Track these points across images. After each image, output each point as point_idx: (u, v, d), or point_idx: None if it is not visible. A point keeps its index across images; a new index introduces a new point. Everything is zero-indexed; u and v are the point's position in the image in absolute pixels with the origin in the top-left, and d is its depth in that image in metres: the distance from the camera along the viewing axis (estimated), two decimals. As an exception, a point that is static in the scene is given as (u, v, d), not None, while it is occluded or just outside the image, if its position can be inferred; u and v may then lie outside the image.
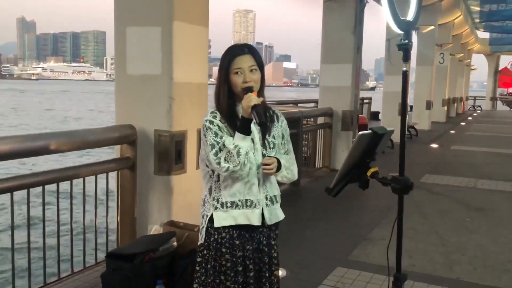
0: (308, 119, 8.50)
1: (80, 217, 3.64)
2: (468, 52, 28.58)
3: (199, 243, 2.21)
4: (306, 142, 8.04)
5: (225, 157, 2.02)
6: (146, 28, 3.77)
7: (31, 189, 3.07)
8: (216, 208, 2.14)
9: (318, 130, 8.16)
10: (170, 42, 3.68)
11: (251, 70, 2.10)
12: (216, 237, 2.14)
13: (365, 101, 17.83)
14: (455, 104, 24.68)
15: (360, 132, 2.01)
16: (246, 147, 2.04)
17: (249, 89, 2.07)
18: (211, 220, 2.14)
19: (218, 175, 2.14)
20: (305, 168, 7.56)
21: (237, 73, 2.09)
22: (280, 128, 2.25)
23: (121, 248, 3.29)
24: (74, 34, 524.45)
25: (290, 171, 2.25)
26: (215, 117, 2.11)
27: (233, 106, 2.14)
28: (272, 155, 2.15)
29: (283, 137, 2.25)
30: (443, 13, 16.73)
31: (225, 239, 2.13)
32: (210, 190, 2.18)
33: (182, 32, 3.72)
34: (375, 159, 2.08)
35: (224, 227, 2.13)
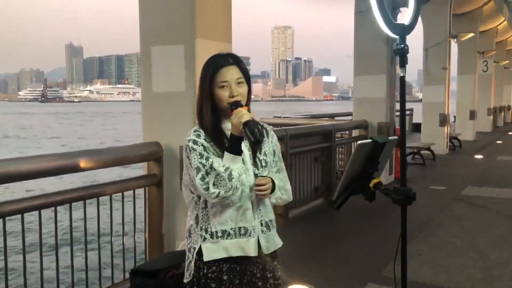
0: (343, 132, 8.38)
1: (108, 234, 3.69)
2: (515, 58, 27.47)
3: (186, 280, 1.95)
4: (341, 156, 7.92)
5: (213, 182, 1.78)
6: (170, 47, 3.84)
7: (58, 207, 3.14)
8: (204, 239, 1.89)
9: (353, 143, 8.02)
10: (193, 59, 3.73)
11: (238, 83, 1.90)
12: (205, 271, 1.90)
13: (407, 112, 17.45)
14: (503, 113, 23.70)
15: (359, 142, 1.93)
16: (238, 168, 1.81)
17: (238, 104, 1.85)
18: (199, 253, 1.90)
19: (205, 202, 1.90)
20: (339, 182, 7.42)
21: (222, 86, 1.88)
22: (271, 144, 2.03)
23: (144, 265, 3.31)
24: (119, 57, 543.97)
25: (285, 191, 2.00)
26: (199, 136, 1.87)
27: (218, 123, 1.93)
28: (264, 175, 1.92)
29: (274, 154, 2.03)
30: (485, 20, 16.23)
31: (214, 274, 1.90)
32: (196, 219, 1.93)
33: (205, 49, 3.76)
34: (378, 169, 1.98)
35: (215, 260, 1.89)
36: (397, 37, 2.21)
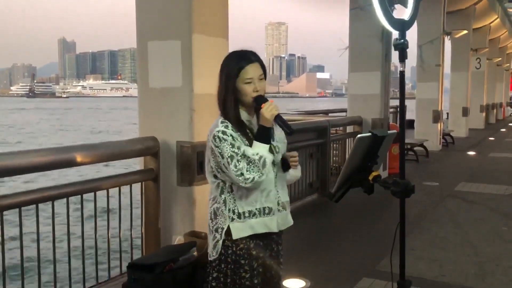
0: (337, 128, 8.41)
1: (104, 228, 3.70)
2: (508, 56, 27.66)
3: (212, 258, 2.14)
4: (335, 152, 7.95)
5: (247, 168, 1.97)
6: (167, 42, 3.84)
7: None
8: (232, 219, 2.08)
9: (347, 139, 8.06)
10: (189, 55, 3.73)
11: (260, 79, 2.09)
12: (234, 249, 2.08)
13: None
14: (495, 110, 23.87)
15: (359, 135, 1.96)
16: (269, 156, 2.02)
17: (262, 98, 2.06)
18: (227, 232, 2.08)
19: (231, 186, 2.08)
20: (334, 178, 7.46)
21: (247, 82, 2.06)
22: (280, 132, 2.21)
23: (142, 259, 3.33)
24: (112, 52, 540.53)
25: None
26: (227, 126, 2.04)
27: (239, 115, 2.10)
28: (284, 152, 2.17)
29: (282, 140, 2.24)
30: (478, 17, 16.31)
31: (243, 250, 2.09)
32: (224, 202, 2.10)
33: (202, 44, 3.77)
34: (377, 162, 2.02)
35: (242, 238, 2.08)
36: (395, 32, 2.23)
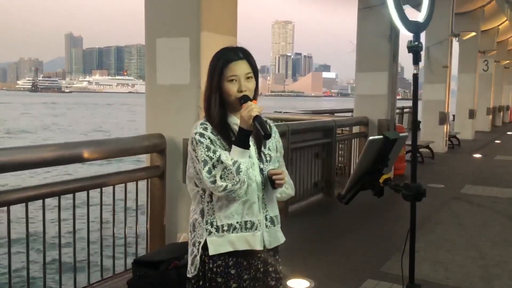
0: (343, 128, 8.39)
1: (110, 224, 3.71)
2: (516, 58, 27.47)
3: (190, 275, 1.93)
4: (341, 152, 7.93)
5: (221, 175, 1.78)
6: (175, 39, 3.84)
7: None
8: (210, 233, 1.87)
9: (353, 139, 8.04)
10: (198, 52, 3.73)
11: (247, 78, 1.90)
12: (210, 266, 1.88)
13: (406, 110, 17.48)
14: (501, 113, 23.75)
15: (370, 138, 1.94)
16: (245, 162, 1.82)
17: (247, 98, 1.86)
18: (204, 247, 1.88)
19: (211, 195, 1.88)
20: (339, 178, 7.44)
21: (231, 80, 1.88)
22: (274, 140, 2.02)
23: (147, 256, 3.33)
24: (118, 48, 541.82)
25: (289, 185, 2.04)
26: (205, 128, 1.86)
27: (225, 117, 1.92)
28: (270, 169, 1.94)
29: (276, 149, 2.03)
30: (487, 19, 16.22)
31: (220, 268, 1.88)
32: (202, 212, 1.91)
33: (210, 42, 3.77)
34: (388, 165, 2.00)
35: (220, 254, 1.87)
36: (403, 33, 2.21)
